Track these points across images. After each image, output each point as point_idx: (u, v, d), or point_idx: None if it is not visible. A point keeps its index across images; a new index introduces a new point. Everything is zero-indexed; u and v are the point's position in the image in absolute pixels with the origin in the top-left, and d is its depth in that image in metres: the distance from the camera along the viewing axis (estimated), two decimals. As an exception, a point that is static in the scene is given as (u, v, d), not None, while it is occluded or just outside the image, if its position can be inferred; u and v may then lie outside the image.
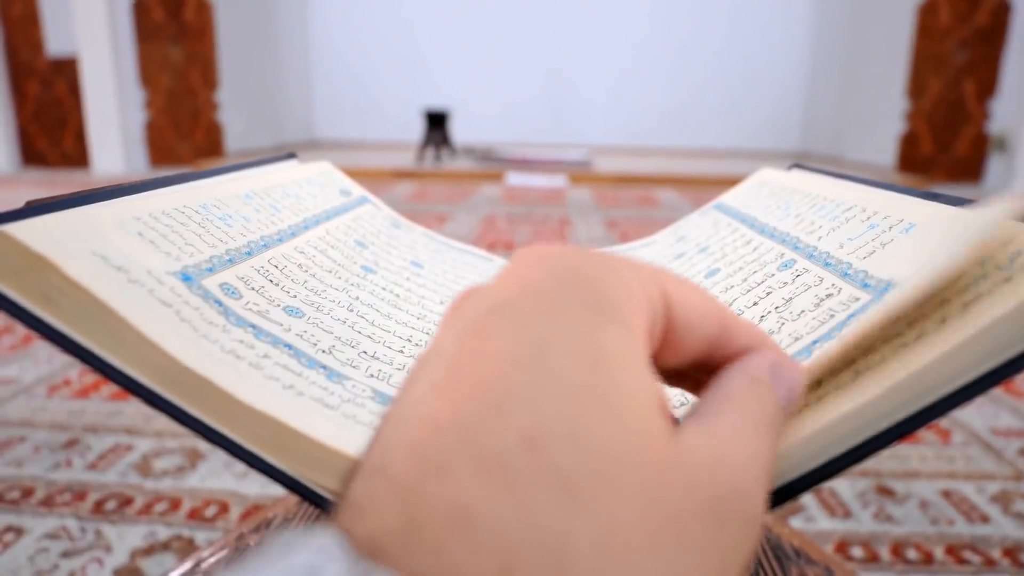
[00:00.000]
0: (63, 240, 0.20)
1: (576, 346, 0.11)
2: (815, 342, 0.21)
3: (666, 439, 0.12)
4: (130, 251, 0.22)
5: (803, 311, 0.23)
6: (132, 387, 0.20)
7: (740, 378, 0.15)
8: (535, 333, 0.12)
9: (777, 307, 0.25)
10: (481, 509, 0.10)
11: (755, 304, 0.26)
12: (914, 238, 0.23)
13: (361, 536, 0.10)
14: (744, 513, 0.12)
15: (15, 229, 0.20)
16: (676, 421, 0.14)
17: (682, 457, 0.12)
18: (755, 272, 0.28)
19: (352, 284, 0.30)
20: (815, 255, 0.26)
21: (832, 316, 0.22)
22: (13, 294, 0.20)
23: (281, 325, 0.24)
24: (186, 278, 0.23)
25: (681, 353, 0.15)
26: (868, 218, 0.27)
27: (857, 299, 0.22)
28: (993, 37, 3.37)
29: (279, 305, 0.25)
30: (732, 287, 0.28)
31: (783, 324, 0.23)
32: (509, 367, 0.11)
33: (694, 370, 0.16)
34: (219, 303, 0.23)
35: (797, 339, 0.22)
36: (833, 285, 0.24)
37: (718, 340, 0.15)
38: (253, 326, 0.23)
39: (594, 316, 0.12)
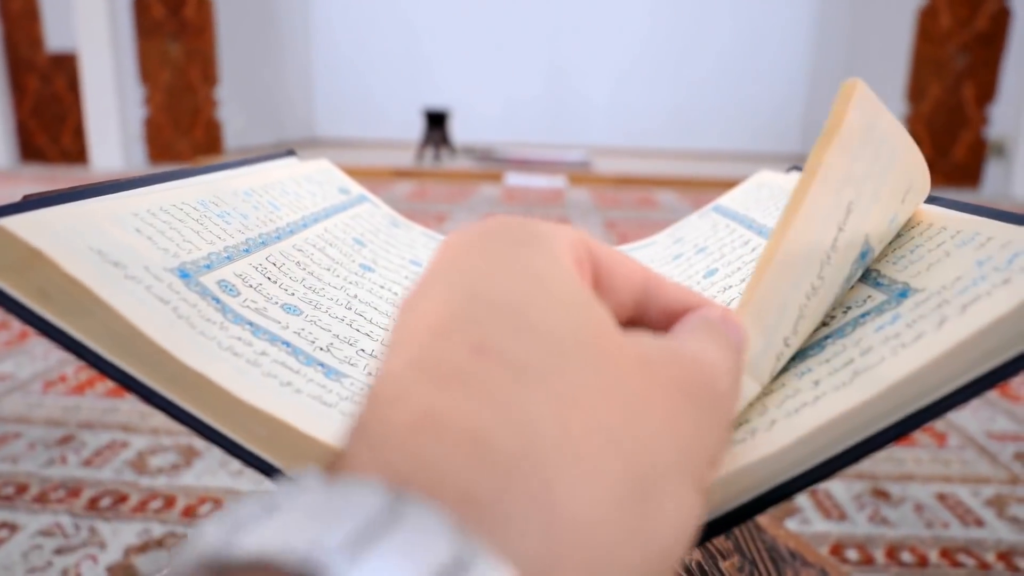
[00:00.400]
0: (60, 235, 0.20)
1: (509, 269, 0.13)
2: (827, 338, 0.21)
3: (615, 331, 0.13)
4: (127, 247, 0.22)
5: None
6: (128, 384, 0.20)
7: (697, 320, 0.16)
8: (472, 270, 0.13)
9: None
10: (444, 410, 0.11)
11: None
12: (918, 241, 0.23)
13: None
14: (714, 404, 0.14)
15: (12, 223, 0.20)
16: None
17: (639, 345, 0.13)
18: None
19: (350, 282, 0.30)
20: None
21: (845, 312, 0.22)
22: (9, 289, 0.20)
23: (279, 323, 0.24)
24: (184, 275, 0.23)
25: (611, 300, 0.16)
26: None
27: (870, 297, 0.22)
28: (993, 42, 3.38)
29: (277, 302, 0.25)
30: (730, 287, 0.28)
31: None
32: (452, 303, 0.12)
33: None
34: (217, 300, 0.23)
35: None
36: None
37: (644, 296, 0.17)
38: (251, 323, 0.23)
39: (523, 247, 0.13)
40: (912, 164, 0.23)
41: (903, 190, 0.22)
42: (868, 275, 0.23)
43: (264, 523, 0.09)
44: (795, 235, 0.18)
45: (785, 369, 0.20)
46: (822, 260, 0.19)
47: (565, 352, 0.12)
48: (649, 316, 0.17)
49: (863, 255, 0.21)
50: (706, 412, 0.13)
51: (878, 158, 0.20)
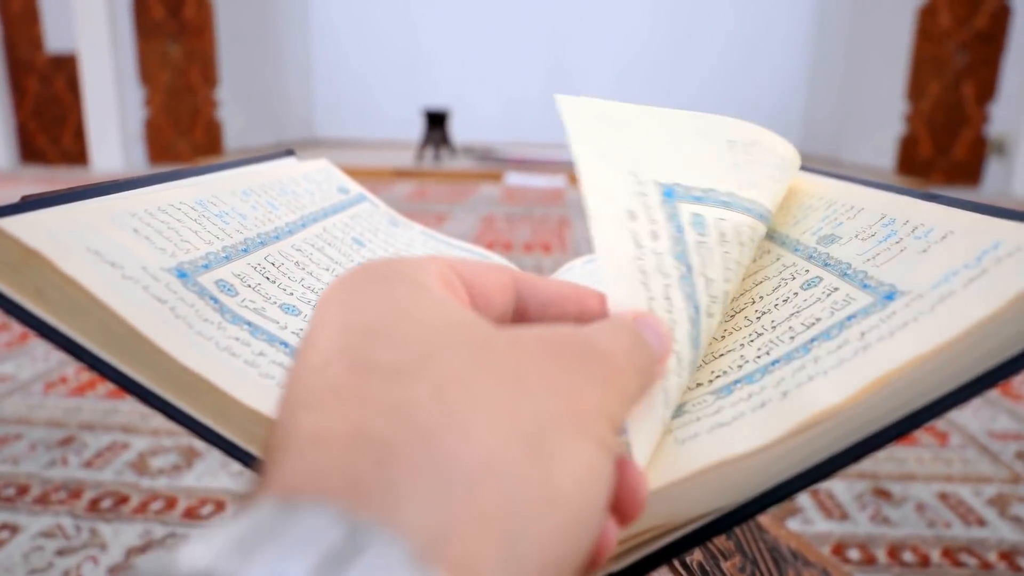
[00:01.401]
0: (57, 235, 0.20)
1: (377, 301, 0.14)
2: (813, 340, 0.21)
3: (486, 327, 0.14)
4: (125, 247, 0.22)
5: (800, 310, 0.23)
6: (126, 384, 0.20)
7: (604, 321, 0.17)
8: (345, 309, 0.14)
9: (776, 305, 0.24)
10: (325, 426, 0.12)
11: (752, 303, 0.26)
12: (919, 243, 0.23)
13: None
14: (595, 364, 0.15)
15: (10, 224, 0.20)
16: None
17: (512, 332, 0.14)
18: (755, 272, 0.28)
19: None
20: (814, 256, 0.26)
21: (832, 314, 0.22)
22: (6, 289, 0.20)
23: (277, 323, 0.24)
24: (182, 275, 0.23)
25: (491, 309, 0.17)
26: (867, 218, 0.27)
27: (855, 299, 0.22)
28: (993, 40, 3.37)
29: (275, 303, 0.25)
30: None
31: (778, 323, 0.23)
32: (330, 340, 0.14)
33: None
34: (215, 300, 0.23)
35: (793, 337, 0.22)
36: (831, 285, 0.23)
37: (520, 297, 0.18)
38: (249, 323, 0.23)
39: (387, 282, 0.15)
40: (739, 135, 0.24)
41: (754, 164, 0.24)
42: (855, 276, 0.23)
43: (216, 548, 0.09)
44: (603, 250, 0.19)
45: (769, 371, 0.20)
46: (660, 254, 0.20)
47: (435, 352, 0.13)
48: (531, 313, 0.18)
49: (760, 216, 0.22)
50: (585, 371, 0.14)
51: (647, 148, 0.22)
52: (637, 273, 0.19)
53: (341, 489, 0.10)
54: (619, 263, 0.19)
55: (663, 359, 0.18)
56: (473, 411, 0.12)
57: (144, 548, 0.57)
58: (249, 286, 0.25)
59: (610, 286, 0.18)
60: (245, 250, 0.27)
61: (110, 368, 0.20)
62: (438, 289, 0.15)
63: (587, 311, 0.19)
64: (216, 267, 0.24)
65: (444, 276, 0.16)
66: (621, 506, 0.16)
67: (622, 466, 0.16)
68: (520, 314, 0.18)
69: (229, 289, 0.24)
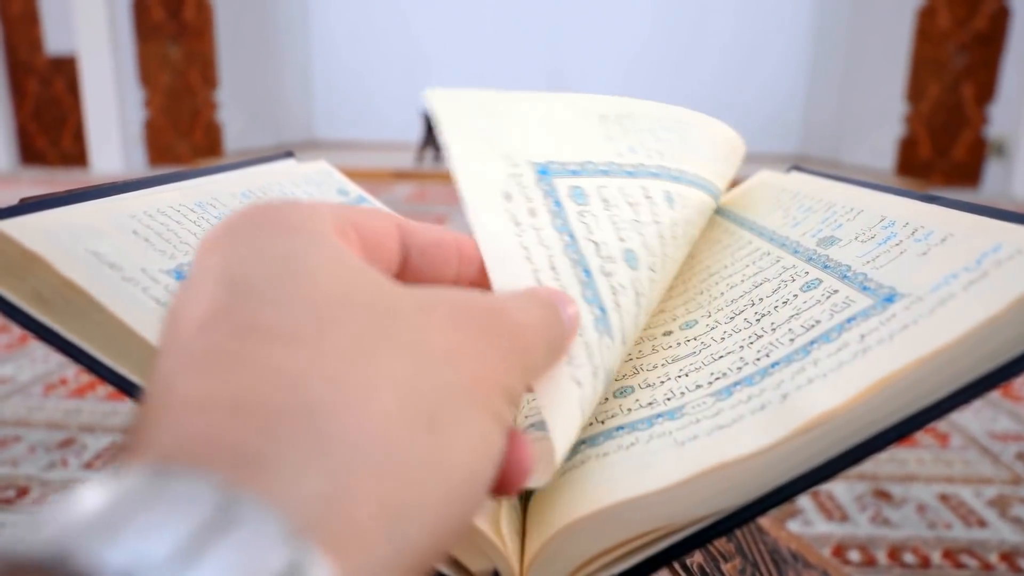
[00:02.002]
0: (56, 238, 0.20)
1: (267, 253, 0.13)
2: (812, 342, 0.21)
3: (387, 286, 0.13)
4: (124, 249, 0.22)
5: (799, 312, 0.23)
6: (125, 387, 0.20)
7: (520, 293, 0.17)
8: (231, 261, 0.13)
9: (776, 307, 0.24)
10: (208, 391, 0.11)
11: (752, 305, 0.26)
12: (919, 245, 0.23)
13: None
14: (501, 336, 0.14)
15: (8, 226, 0.20)
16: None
17: (416, 295, 0.14)
18: (755, 274, 0.28)
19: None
20: (814, 258, 0.26)
21: (831, 317, 0.22)
22: (5, 291, 0.20)
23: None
24: (181, 276, 0.23)
25: (383, 259, 0.17)
26: (866, 221, 0.27)
27: (855, 302, 0.22)
28: (992, 41, 3.38)
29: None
30: (733, 286, 0.28)
31: (778, 325, 0.23)
32: (216, 296, 0.12)
33: None
34: (214, 302, 0.23)
35: (792, 339, 0.22)
36: (831, 287, 0.23)
37: (404, 244, 0.17)
38: (248, 326, 0.23)
39: (278, 231, 0.14)
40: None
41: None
42: (855, 278, 0.23)
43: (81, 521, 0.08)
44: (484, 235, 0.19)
45: (768, 374, 0.20)
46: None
47: (332, 315, 0.12)
48: (412, 260, 0.18)
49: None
50: (492, 344, 0.14)
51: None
52: (519, 249, 0.19)
53: (220, 458, 0.10)
54: (499, 242, 0.19)
55: (571, 335, 0.18)
56: (367, 382, 0.12)
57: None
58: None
59: (493, 264, 0.19)
60: (244, 252, 0.27)
61: (109, 371, 0.20)
62: (334, 239, 0.14)
63: (466, 255, 0.19)
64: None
65: (339, 225, 0.15)
66: (506, 477, 0.16)
67: (512, 438, 0.16)
68: (402, 260, 0.18)
69: (228, 291, 0.24)
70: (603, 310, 0.20)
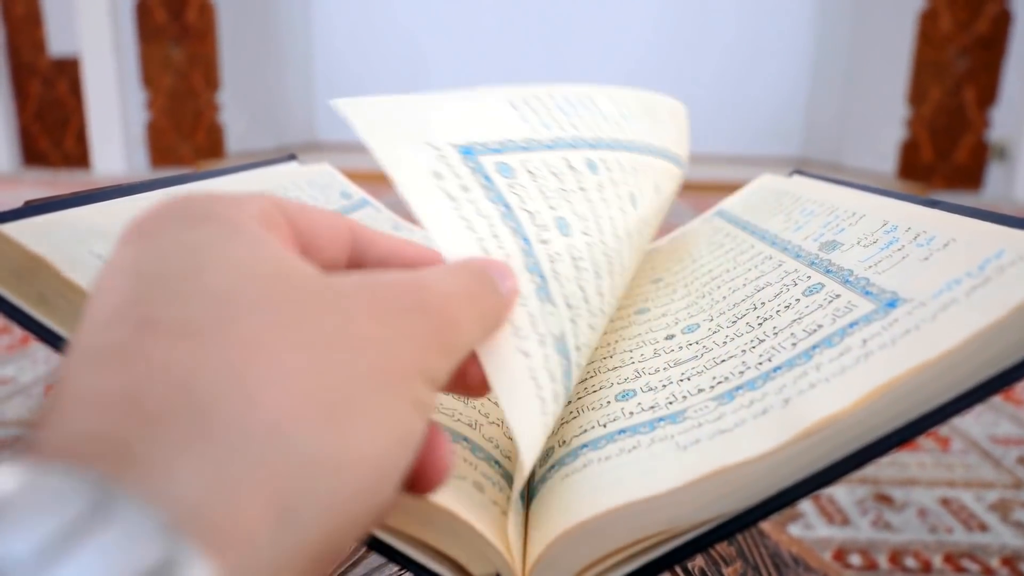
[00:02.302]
0: (60, 241, 0.20)
1: (178, 244, 0.13)
2: (814, 347, 0.21)
3: (305, 277, 0.13)
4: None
5: (801, 316, 0.23)
6: (128, 389, 0.20)
7: (444, 264, 0.17)
8: (143, 253, 0.13)
9: (778, 311, 0.24)
10: (98, 386, 0.11)
11: (754, 309, 0.26)
12: (921, 250, 0.23)
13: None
14: (420, 319, 0.14)
15: (12, 229, 0.20)
16: None
17: (336, 282, 0.13)
18: (757, 278, 0.28)
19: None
20: (816, 262, 0.26)
21: (833, 321, 0.22)
22: (9, 295, 0.20)
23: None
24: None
25: (321, 255, 0.16)
26: (868, 225, 0.27)
27: (857, 306, 0.22)
28: (994, 45, 3.38)
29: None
30: (735, 290, 0.28)
31: (780, 330, 0.23)
32: (124, 288, 0.12)
33: None
34: (217, 305, 0.23)
35: (795, 344, 0.22)
36: (833, 291, 0.23)
37: (356, 250, 0.17)
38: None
39: (193, 222, 0.13)
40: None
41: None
42: (857, 283, 0.23)
43: None
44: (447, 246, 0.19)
45: (770, 378, 0.20)
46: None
47: (235, 307, 0.12)
48: (370, 266, 0.18)
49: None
50: (408, 324, 0.14)
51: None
52: (460, 220, 0.19)
53: (101, 455, 0.10)
54: (440, 217, 0.19)
55: (510, 304, 0.18)
56: (266, 375, 0.11)
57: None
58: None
59: (438, 239, 0.18)
60: (247, 255, 0.27)
61: (112, 373, 0.20)
62: (255, 230, 0.14)
63: (425, 266, 0.18)
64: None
65: (267, 214, 0.15)
66: (424, 474, 0.15)
67: (431, 433, 0.15)
68: (353, 264, 0.17)
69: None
70: (543, 278, 0.20)
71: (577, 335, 0.21)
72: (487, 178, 0.22)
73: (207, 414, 0.11)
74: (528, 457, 0.18)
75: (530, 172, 0.23)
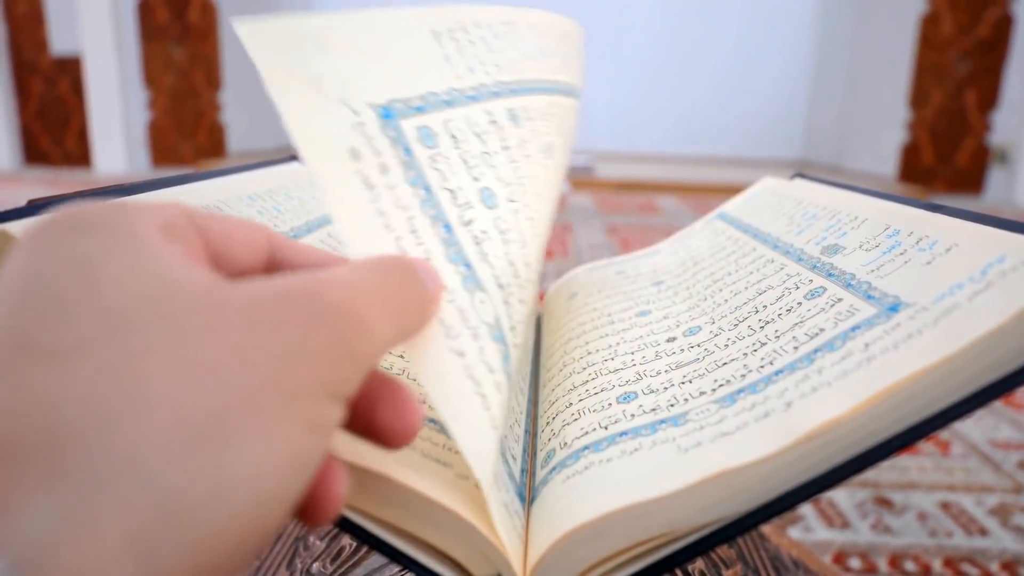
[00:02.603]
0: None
1: (64, 259, 0.12)
2: (816, 351, 0.21)
3: (198, 285, 0.12)
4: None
5: (803, 320, 0.23)
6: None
7: (348, 265, 0.15)
8: (29, 268, 0.12)
9: (780, 314, 0.24)
10: None
11: (756, 312, 0.26)
12: (923, 255, 0.23)
13: None
14: (320, 329, 0.13)
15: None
16: None
17: (239, 293, 0.13)
18: (759, 281, 0.28)
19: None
20: (818, 266, 0.26)
21: (835, 325, 0.22)
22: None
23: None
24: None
25: (233, 265, 0.15)
26: (871, 229, 0.27)
27: (859, 310, 0.22)
28: (995, 49, 3.38)
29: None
30: (737, 293, 0.28)
31: (782, 333, 0.23)
32: (7, 305, 0.12)
33: None
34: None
35: (796, 347, 0.22)
36: (835, 295, 0.23)
37: (273, 259, 0.16)
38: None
39: (84, 234, 0.13)
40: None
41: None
42: (859, 287, 0.23)
43: None
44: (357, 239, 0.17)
45: (772, 381, 0.20)
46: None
47: (110, 327, 0.11)
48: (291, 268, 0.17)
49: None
50: (300, 335, 0.12)
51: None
52: (376, 217, 0.18)
53: None
54: (354, 214, 0.17)
55: (434, 299, 0.17)
56: (134, 402, 0.11)
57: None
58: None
59: (351, 242, 0.17)
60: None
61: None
62: (152, 241, 0.13)
63: (282, 248, 0.17)
64: (221, 272, 0.24)
65: (171, 224, 0.14)
66: (315, 503, 0.14)
67: (326, 465, 0.14)
68: (269, 272, 0.17)
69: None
70: (469, 265, 0.19)
71: (511, 315, 0.20)
72: (407, 150, 0.20)
73: (66, 447, 0.10)
74: (479, 468, 0.17)
75: (453, 136, 0.22)
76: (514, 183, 0.23)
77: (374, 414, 0.15)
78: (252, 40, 0.18)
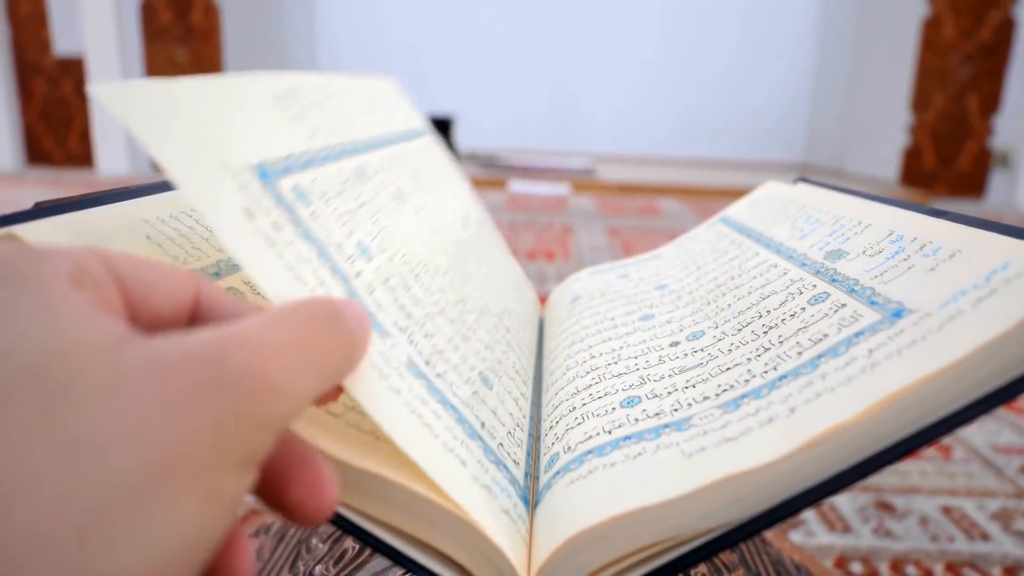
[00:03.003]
0: (70, 243, 0.20)
1: None
2: (820, 356, 0.21)
3: (97, 346, 0.11)
4: (137, 254, 0.22)
5: (807, 325, 0.23)
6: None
7: (258, 318, 0.14)
8: None
9: (783, 319, 0.25)
10: None
11: (759, 317, 0.26)
12: (927, 261, 0.23)
13: None
14: (234, 400, 0.12)
15: (23, 231, 0.20)
16: None
17: (127, 357, 0.11)
18: (762, 286, 0.28)
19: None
20: (822, 271, 0.26)
21: (839, 331, 0.22)
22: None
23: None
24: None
25: (154, 316, 0.14)
26: (874, 234, 0.27)
27: (862, 316, 0.22)
28: (997, 53, 3.38)
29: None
30: (741, 298, 0.28)
31: (785, 338, 0.23)
32: None
33: None
34: (225, 308, 0.23)
35: (800, 352, 0.22)
36: (839, 301, 0.24)
37: (199, 308, 0.15)
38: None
39: None
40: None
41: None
42: (862, 293, 0.23)
43: None
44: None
45: (776, 387, 0.20)
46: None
47: (7, 395, 0.10)
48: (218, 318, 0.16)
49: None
50: (200, 411, 0.11)
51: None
52: (286, 271, 0.18)
53: None
54: (263, 269, 0.17)
55: (365, 337, 0.16)
56: (11, 491, 0.10)
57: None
58: (259, 294, 0.25)
59: (268, 293, 0.17)
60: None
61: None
62: (56, 292, 0.12)
63: (211, 297, 0.17)
64: (227, 274, 0.25)
65: (81, 270, 0.13)
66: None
67: (231, 540, 0.13)
68: (198, 321, 0.16)
69: (240, 297, 0.24)
70: (371, 314, 0.20)
71: (421, 351, 0.22)
72: (290, 208, 0.20)
73: None
74: (449, 489, 0.18)
75: (323, 194, 0.23)
76: (379, 234, 0.25)
77: (286, 490, 0.15)
78: (119, 106, 0.17)
